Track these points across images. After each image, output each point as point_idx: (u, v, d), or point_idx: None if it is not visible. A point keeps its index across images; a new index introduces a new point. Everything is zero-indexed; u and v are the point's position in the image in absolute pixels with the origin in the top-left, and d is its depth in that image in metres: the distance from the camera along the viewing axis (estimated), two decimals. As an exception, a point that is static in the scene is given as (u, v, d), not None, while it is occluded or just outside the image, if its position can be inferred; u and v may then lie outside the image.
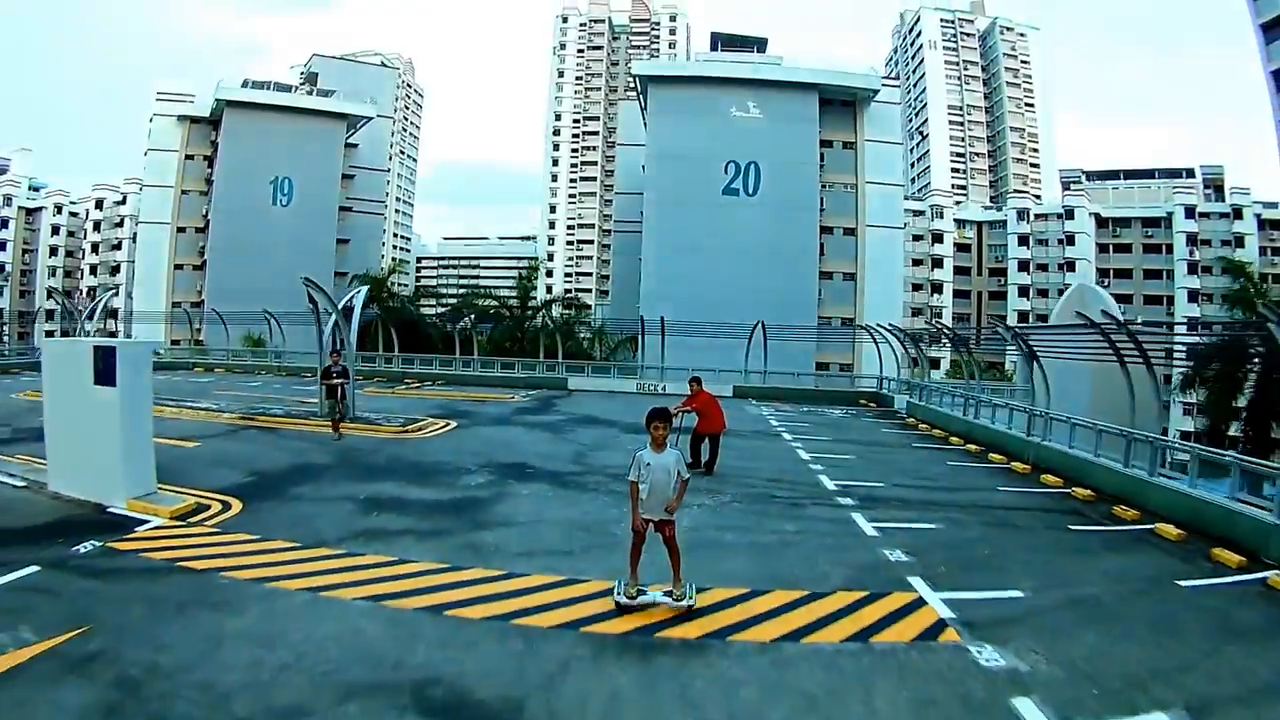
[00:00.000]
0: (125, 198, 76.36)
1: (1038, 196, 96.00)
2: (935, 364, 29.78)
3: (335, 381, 12.34)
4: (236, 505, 7.78)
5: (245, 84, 47.63)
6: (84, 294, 78.98)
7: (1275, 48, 34.09)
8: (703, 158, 35.59)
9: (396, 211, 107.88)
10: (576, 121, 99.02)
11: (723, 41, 43.04)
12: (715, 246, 34.67)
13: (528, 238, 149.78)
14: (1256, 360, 15.56)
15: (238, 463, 9.99)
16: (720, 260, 34.58)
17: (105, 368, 7.80)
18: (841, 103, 38.33)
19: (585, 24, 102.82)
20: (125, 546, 6.36)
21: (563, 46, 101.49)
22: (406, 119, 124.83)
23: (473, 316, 31.61)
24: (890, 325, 23.14)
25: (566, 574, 5.86)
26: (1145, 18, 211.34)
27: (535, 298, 39.85)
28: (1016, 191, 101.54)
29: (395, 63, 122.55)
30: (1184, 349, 17.41)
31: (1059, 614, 5.42)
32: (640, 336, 27.02)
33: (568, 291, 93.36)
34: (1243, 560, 6.88)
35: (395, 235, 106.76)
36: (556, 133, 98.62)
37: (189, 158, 47.76)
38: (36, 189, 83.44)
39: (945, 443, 15.15)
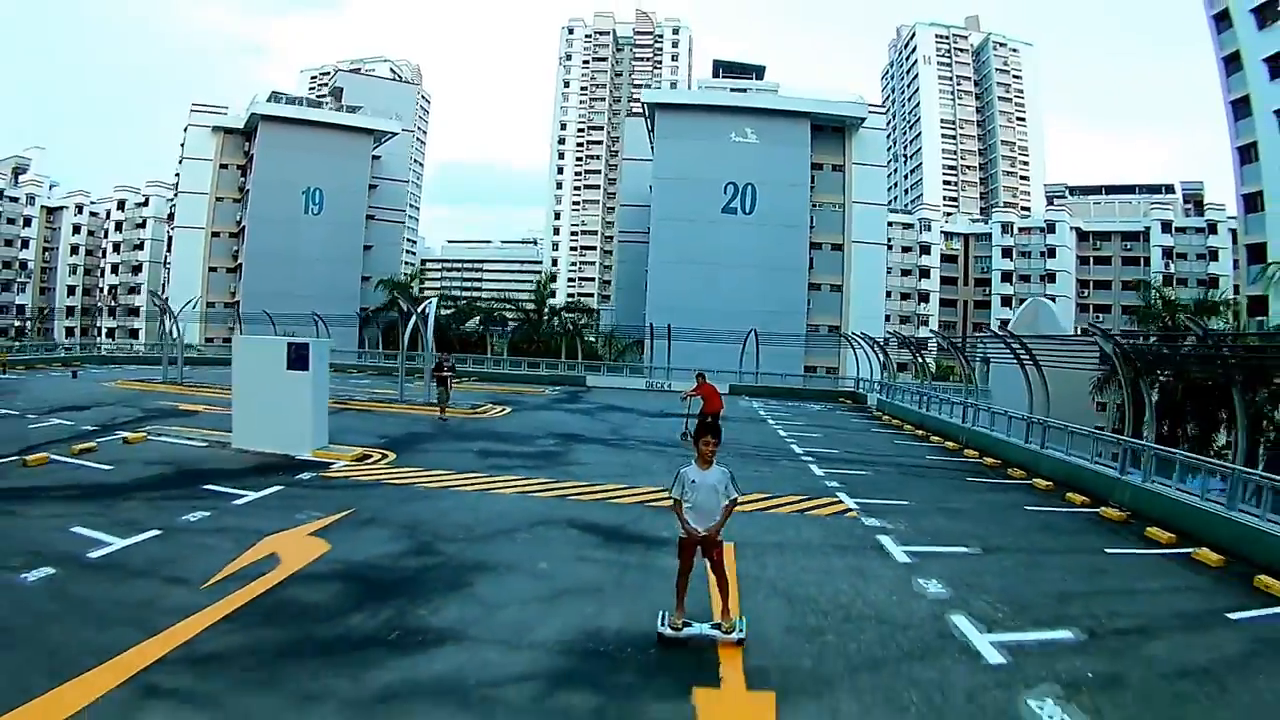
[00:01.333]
0: (148, 199, 79.80)
1: (1026, 209, 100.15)
2: (903, 367, 33.64)
3: (444, 374, 16.14)
4: (390, 454, 11.54)
5: (273, 98, 51.30)
6: (105, 292, 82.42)
7: (1236, 79, 37.97)
8: (704, 179, 39.51)
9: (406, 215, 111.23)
10: (581, 131, 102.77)
11: (724, 69, 47.04)
12: (714, 260, 38.58)
13: (529, 242, 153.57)
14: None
15: (365, 431, 13.74)
16: (719, 272, 38.48)
17: (298, 357, 11.57)
18: (832, 129, 42.28)
19: (590, 35, 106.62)
20: (332, 476, 10.05)
21: (568, 58, 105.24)
22: (417, 126, 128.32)
23: (486, 319, 35.32)
24: (865, 334, 26.97)
25: (628, 484, 9.69)
26: (1150, 26, 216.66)
27: (550, 304, 43.60)
28: (1006, 204, 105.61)
29: (404, 70, 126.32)
30: (1098, 355, 21.20)
31: (927, 513, 9.23)
32: (650, 340, 30.82)
33: (570, 295, 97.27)
34: (1087, 500, 10.49)
35: (403, 239, 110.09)
36: (562, 141, 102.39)
37: (223, 167, 51.39)
38: (51, 186, 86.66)
39: (900, 430, 19.01)
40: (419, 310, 19.19)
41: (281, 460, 10.80)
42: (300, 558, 6.28)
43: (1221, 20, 37.86)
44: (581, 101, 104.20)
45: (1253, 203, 39.06)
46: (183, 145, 54.44)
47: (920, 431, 18.21)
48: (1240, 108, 37.63)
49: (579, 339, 34.89)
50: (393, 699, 3.99)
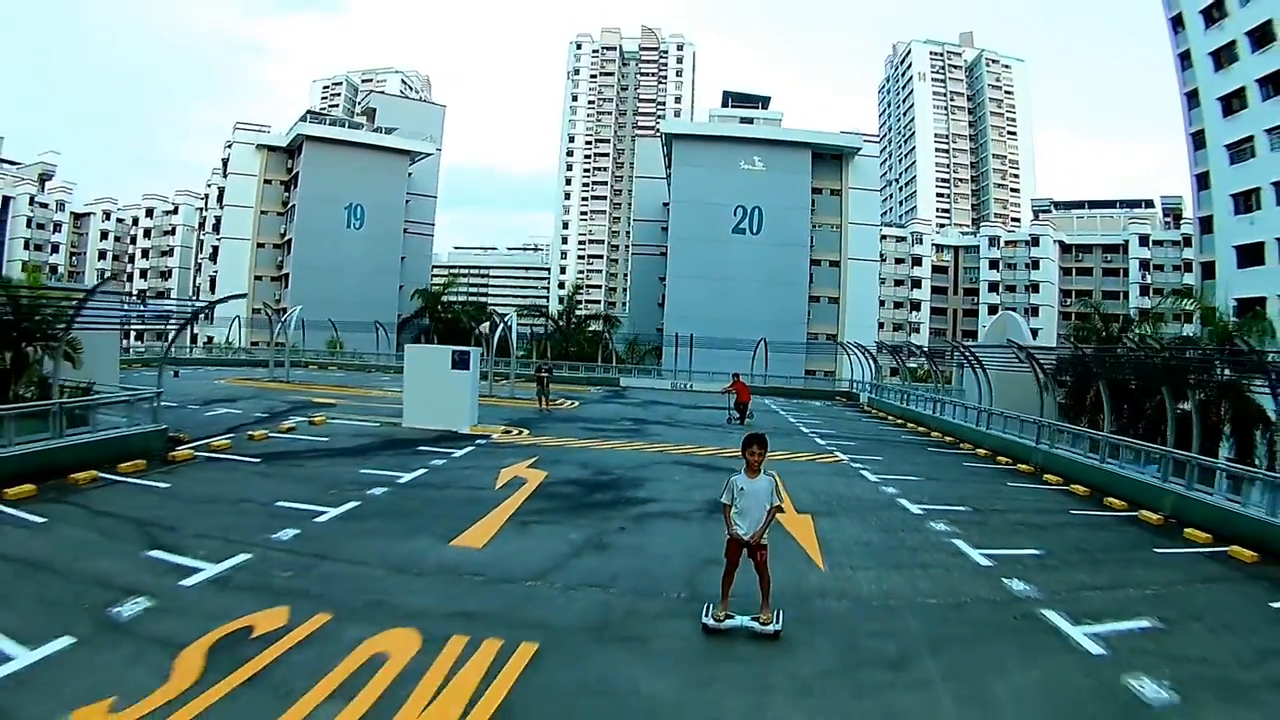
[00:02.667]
0: (176, 208, 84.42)
1: (1016, 219, 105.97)
2: (895, 372, 38.88)
3: (542, 375, 21.28)
4: (525, 430, 16.58)
5: (310, 117, 56.27)
6: (134, 296, 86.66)
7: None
8: (716, 202, 44.77)
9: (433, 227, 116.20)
10: (589, 144, 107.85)
11: (733, 99, 52.43)
12: (726, 275, 43.79)
13: (533, 248, 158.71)
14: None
15: (490, 418, 18.71)
16: (730, 286, 43.68)
17: (461, 361, 16.65)
18: (831, 157, 47.63)
19: (598, 50, 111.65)
20: (500, 442, 15.02)
21: (576, 72, 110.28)
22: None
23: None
24: (858, 344, 32.19)
25: (697, 445, 14.83)
26: (1148, 35, 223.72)
27: (578, 313, 48.74)
28: (997, 214, 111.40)
29: (414, 81, 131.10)
30: (1054, 361, 26.40)
31: (894, 462, 14.37)
32: (675, 348, 35.96)
33: (578, 301, 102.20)
34: (1010, 461, 15.59)
35: (431, 250, 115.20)
36: (570, 154, 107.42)
37: (266, 182, 56.32)
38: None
39: (884, 419, 24.21)
40: (504, 321, 24.22)
41: (450, 434, 15.63)
42: (536, 477, 11.28)
43: (1185, 60, 42.89)
44: (589, 115, 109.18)
45: (1207, 224, 44.42)
46: (225, 161, 59.38)
47: (900, 420, 23.40)
48: (1198, 139, 42.92)
49: (605, 346, 39.99)
50: (643, 516, 9.10)
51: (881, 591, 6.51)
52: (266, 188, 56.31)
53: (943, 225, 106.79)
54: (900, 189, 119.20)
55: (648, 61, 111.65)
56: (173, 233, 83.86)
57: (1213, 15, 40.52)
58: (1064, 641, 5.48)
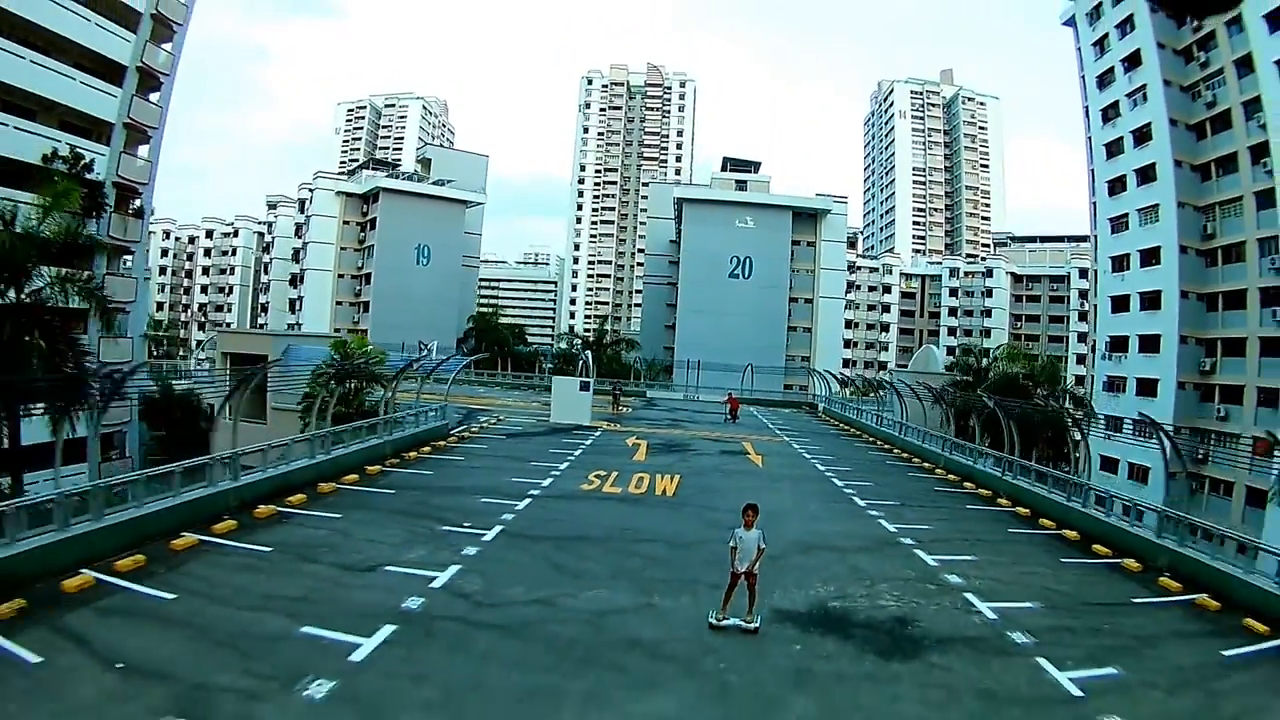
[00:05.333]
0: (237, 230, 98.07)
1: (987, 245, 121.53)
2: (845, 384, 53.65)
3: (616, 392, 35.73)
4: (618, 424, 31.12)
5: (379, 165, 70.52)
6: (195, 310, 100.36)
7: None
8: (716, 253, 59.57)
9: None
10: (598, 172, 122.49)
11: (731, 164, 67.42)
12: (723, 311, 58.55)
13: (540, 262, 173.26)
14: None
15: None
16: (725, 320, 58.41)
17: (583, 386, 31.35)
18: (808, 215, 62.55)
19: (607, 85, 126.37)
20: (609, 430, 29.53)
21: (587, 105, 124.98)
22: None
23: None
24: (822, 369, 46.89)
25: (707, 431, 29.50)
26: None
27: (606, 333, 63.63)
28: (968, 241, 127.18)
29: (434, 106, 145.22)
30: (952, 389, 41.22)
31: (829, 450, 29.01)
32: (685, 369, 50.58)
33: (588, 316, 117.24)
34: (923, 460, 30.33)
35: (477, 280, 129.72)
36: (581, 181, 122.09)
37: (345, 223, 70.55)
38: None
39: (828, 423, 38.93)
40: (582, 356, 38.62)
41: (580, 426, 30.01)
42: (643, 443, 25.90)
43: (1090, 144, 57.49)
44: (599, 146, 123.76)
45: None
46: (306, 203, 73.45)
47: (843, 425, 38.03)
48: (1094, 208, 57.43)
49: (636, 366, 54.52)
50: (692, 453, 23.78)
51: (781, 474, 21.13)
52: (345, 227, 70.50)
53: (919, 251, 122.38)
54: (882, 216, 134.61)
55: (653, 97, 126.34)
56: (233, 253, 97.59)
57: (1108, 115, 54.96)
58: (887, 533, 20.12)
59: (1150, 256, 45.54)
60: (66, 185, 19.92)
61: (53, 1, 28.53)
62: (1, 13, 26.65)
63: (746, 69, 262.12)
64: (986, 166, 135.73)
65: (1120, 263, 50.29)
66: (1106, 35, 49.23)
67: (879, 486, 19.95)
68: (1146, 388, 44.16)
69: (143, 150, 35.75)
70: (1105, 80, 50.12)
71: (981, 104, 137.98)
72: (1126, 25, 46.75)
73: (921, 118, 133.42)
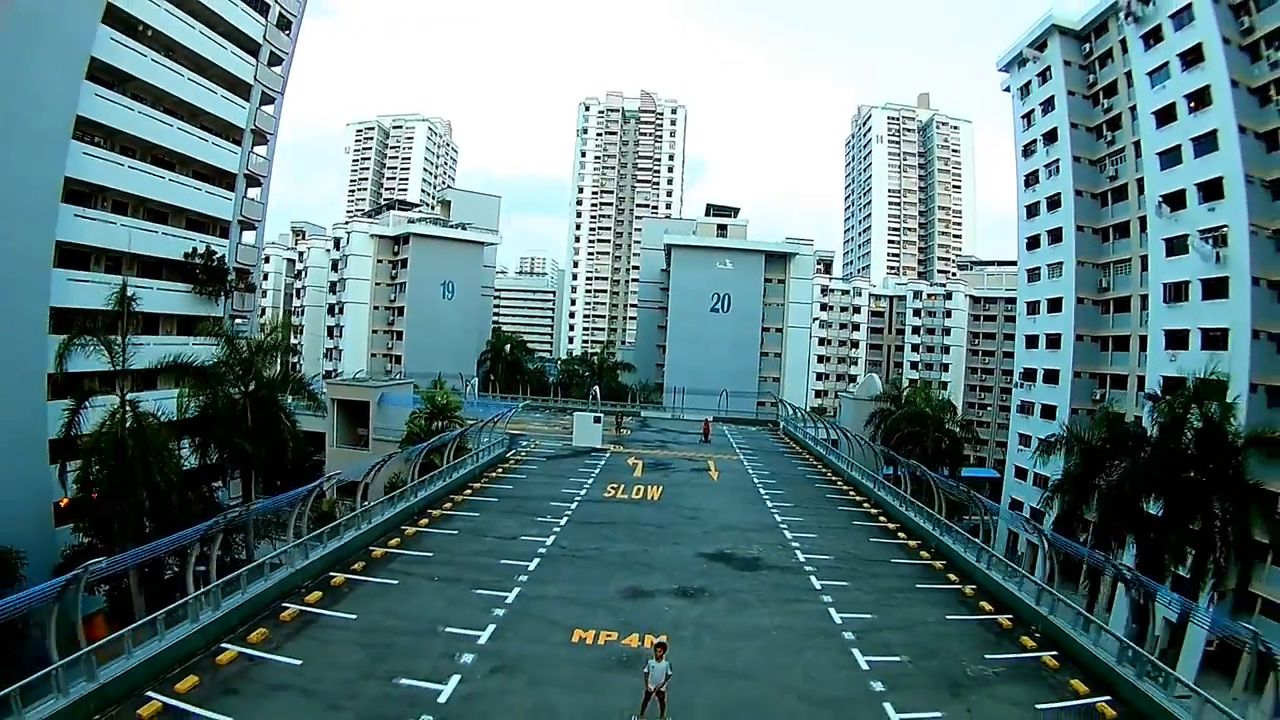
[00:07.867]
0: (268, 257, 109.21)
1: (959, 265, 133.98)
2: (820, 411, 66.17)
3: (621, 416, 48.18)
4: (622, 445, 43.52)
5: (405, 206, 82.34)
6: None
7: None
8: (700, 291, 72.01)
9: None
10: (595, 194, 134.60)
11: (714, 210, 79.96)
12: (705, 340, 70.97)
13: (538, 272, 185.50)
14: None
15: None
16: (708, 348, 70.82)
17: (596, 419, 43.83)
18: (779, 256, 75.02)
19: (603, 112, 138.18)
20: (615, 451, 41.86)
21: (585, 130, 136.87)
22: (444, 170, 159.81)
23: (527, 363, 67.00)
24: (785, 400, 59.40)
25: (689, 452, 42.01)
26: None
27: (607, 360, 76.25)
28: (940, 258, 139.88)
29: (439, 126, 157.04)
30: (878, 415, 53.69)
31: (768, 465, 41.45)
32: (674, 394, 62.98)
33: (586, 330, 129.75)
34: (852, 480, 42.91)
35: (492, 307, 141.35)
36: (579, 203, 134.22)
37: (379, 261, 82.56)
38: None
39: (781, 440, 51.44)
40: (602, 376, 50.88)
41: (595, 449, 42.31)
42: (639, 462, 38.34)
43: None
44: (595, 169, 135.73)
45: (1033, 307, 71.02)
46: (341, 242, 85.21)
47: (791, 442, 50.43)
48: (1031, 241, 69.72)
49: (633, 389, 66.88)
50: (673, 470, 36.32)
51: (728, 485, 33.69)
52: (378, 265, 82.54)
53: (893, 270, 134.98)
54: (860, 235, 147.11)
55: (646, 122, 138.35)
56: (265, 279, 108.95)
57: (1029, 181, 66.88)
58: (781, 532, 32.66)
59: (1055, 305, 56.25)
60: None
61: (178, 129, 38.56)
62: (140, 140, 36.49)
63: (742, 74, 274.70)
64: (959, 188, 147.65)
65: (1033, 307, 61.61)
66: (1032, 111, 59.49)
67: (786, 494, 32.42)
68: (1048, 412, 55.35)
69: (248, 236, 47.46)
70: (1029, 150, 60.23)
71: (955, 128, 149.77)
72: (1048, 105, 56.57)
73: (897, 141, 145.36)
